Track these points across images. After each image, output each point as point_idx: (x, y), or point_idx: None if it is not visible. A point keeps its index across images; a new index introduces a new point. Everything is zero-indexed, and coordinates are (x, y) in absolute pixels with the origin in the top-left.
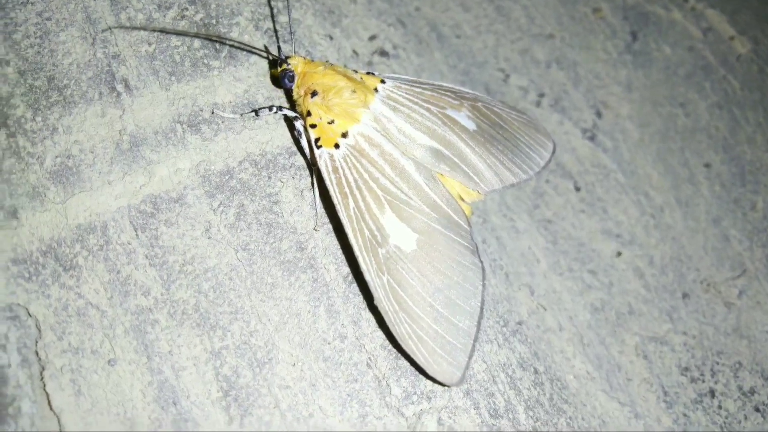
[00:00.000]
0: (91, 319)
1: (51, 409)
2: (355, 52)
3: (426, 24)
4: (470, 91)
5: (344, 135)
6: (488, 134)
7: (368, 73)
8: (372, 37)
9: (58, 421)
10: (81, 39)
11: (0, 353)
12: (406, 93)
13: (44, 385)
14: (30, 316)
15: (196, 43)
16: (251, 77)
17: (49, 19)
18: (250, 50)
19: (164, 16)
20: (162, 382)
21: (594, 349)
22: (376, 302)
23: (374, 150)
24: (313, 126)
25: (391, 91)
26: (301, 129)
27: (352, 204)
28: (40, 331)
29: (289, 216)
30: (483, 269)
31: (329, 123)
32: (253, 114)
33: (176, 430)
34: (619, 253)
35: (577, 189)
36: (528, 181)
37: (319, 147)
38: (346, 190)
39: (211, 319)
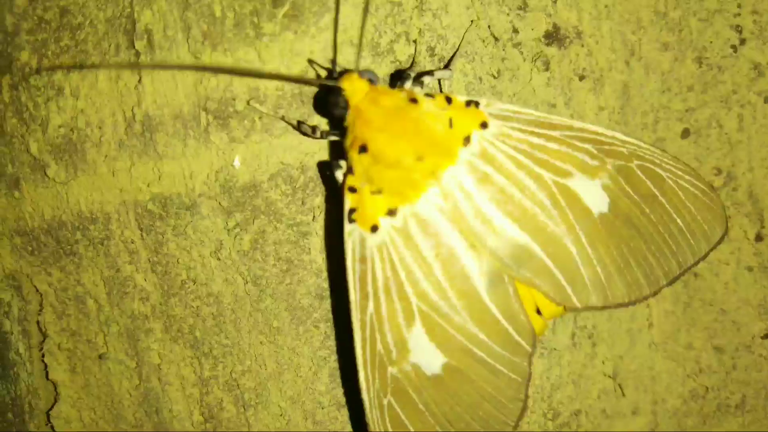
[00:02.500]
0: (89, 309)
1: (48, 378)
2: (493, 36)
3: None
4: (630, 140)
5: (390, 213)
6: (624, 218)
7: (470, 104)
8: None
9: (55, 390)
10: None
11: (3, 319)
12: (517, 144)
13: (42, 356)
14: (34, 288)
15: None
16: (315, 52)
17: None
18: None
19: None
20: (148, 390)
21: None
22: (368, 422)
23: (427, 241)
24: (352, 190)
25: (493, 143)
26: (341, 175)
27: (371, 308)
28: (41, 306)
29: (317, 254)
30: (524, 407)
31: (373, 193)
32: (294, 124)
33: None
34: (767, 336)
35: (759, 239)
36: (648, 298)
37: (351, 221)
38: (369, 289)
39: (206, 346)
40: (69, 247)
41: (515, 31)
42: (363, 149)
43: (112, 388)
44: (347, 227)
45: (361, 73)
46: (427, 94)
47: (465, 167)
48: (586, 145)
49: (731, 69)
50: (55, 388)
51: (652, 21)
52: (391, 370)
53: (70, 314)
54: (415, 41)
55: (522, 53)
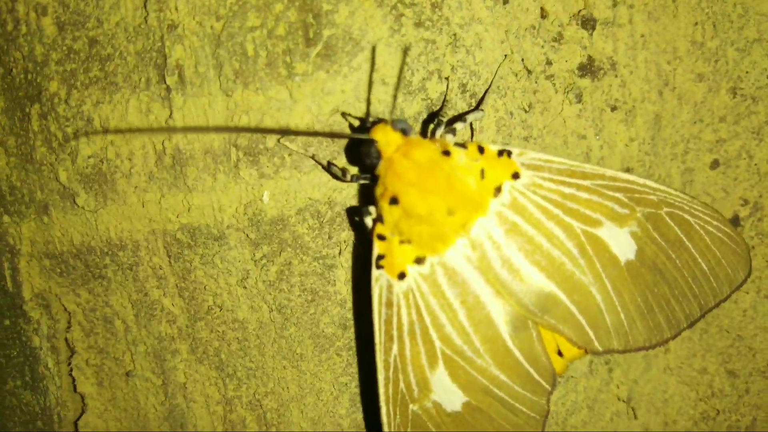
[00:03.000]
0: (116, 329)
1: (75, 391)
2: (526, 68)
3: None
4: (661, 188)
5: (418, 261)
6: (650, 264)
7: (502, 153)
8: None
9: (83, 402)
10: None
11: (32, 336)
12: (548, 194)
13: (71, 370)
14: (63, 307)
15: (281, 27)
16: (346, 91)
17: None
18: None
19: None
20: (174, 406)
21: None
22: None
23: (453, 289)
24: (381, 237)
25: (524, 192)
26: (370, 221)
27: (395, 350)
28: (69, 324)
29: (341, 285)
30: None
31: (402, 242)
32: (324, 165)
33: None
34: None
35: None
36: (668, 341)
37: (379, 267)
38: (395, 332)
39: (230, 368)
40: (98, 270)
41: (549, 63)
42: (394, 201)
43: (138, 402)
44: (375, 272)
45: (394, 124)
46: (460, 144)
47: (495, 218)
48: (617, 194)
49: (766, 99)
50: (83, 400)
51: (689, 51)
52: (412, 407)
53: (98, 333)
54: (447, 78)
55: (554, 85)
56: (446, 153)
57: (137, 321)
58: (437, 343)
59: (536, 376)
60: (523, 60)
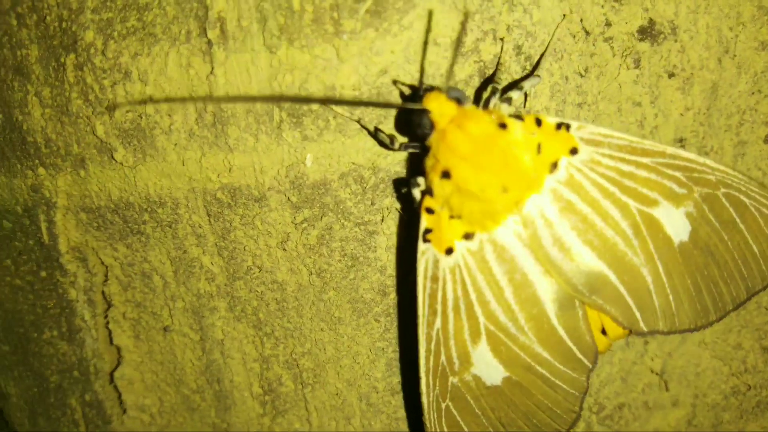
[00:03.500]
0: (155, 285)
1: (111, 343)
2: (585, 30)
3: None
4: (720, 168)
5: (467, 237)
6: (703, 246)
7: (560, 126)
8: None
9: (119, 354)
10: None
11: (69, 288)
12: (606, 171)
13: (107, 323)
14: (100, 261)
15: None
16: (396, 52)
17: None
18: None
19: None
20: (211, 362)
21: None
22: (425, 422)
23: (501, 266)
24: (429, 211)
25: (581, 169)
26: (418, 194)
27: (438, 324)
28: (106, 277)
29: (382, 252)
30: (577, 417)
31: (452, 217)
32: (371, 130)
33: (216, 403)
34: None
35: None
36: (713, 324)
37: (426, 241)
38: (438, 307)
39: (268, 327)
40: (136, 226)
41: (608, 24)
42: (446, 175)
43: (175, 356)
44: (421, 246)
45: (449, 92)
46: (516, 116)
47: (549, 195)
48: (676, 173)
49: None
50: (119, 353)
51: (753, 17)
52: (452, 379)
53: (136, 287)
54: (502, 39)
55: (612, 48)
56: (502, 126)
57: (176, 277)
58: (481, 319)
59: (579, 354)
60: (581, 20)
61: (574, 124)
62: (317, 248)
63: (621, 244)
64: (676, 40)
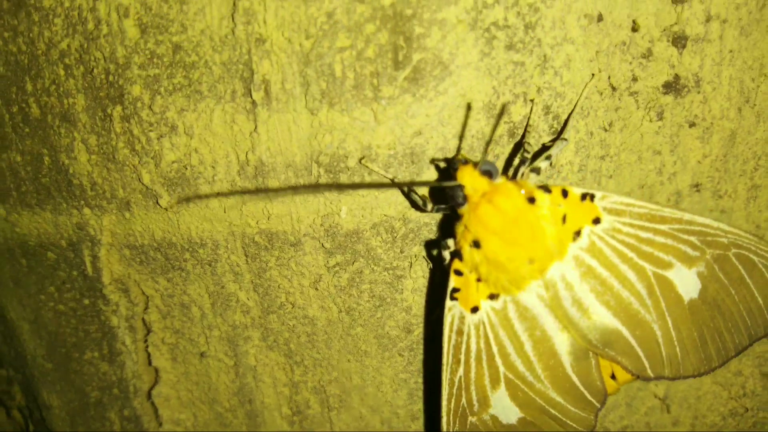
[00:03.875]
0: (193, 315)
1: (150, 365)
2: (611, 86)
3: None
4: (733, 230)
5: (492, 297)
6: (711, 301)
7: (585, 197)
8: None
9: (156, 374)
10: None
11: (111, 316)
12: (625, 239)
13: (146, 347)
14: (141, 291)
15: (371, 49)
16: (431, 115)
17: None
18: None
19: None
20: (243, 384)
21: None
22: None
23: (522, 323)
24: (458, 273)
25: (602, 237)
26: (447, 255)
27: (461, 372)
28: (147, 306)
29: (408, 294)
30: None
31: (478, 280)
32: (405, 191)
33: (247, 421)
34: None
35: None
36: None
37: (453, 299)
38: (462, 357)
39: (298, 356)
40: (177, 263)
41: (635, 79)
42: (476, 245)
43: (210, 378)
44: (448, 303)
45: (482, 166)
46: (544, 187)
47: (571, 261)
48: (691, 237)
49: None
50: (157, 373)
51: None
52: (471, 419)
53: (175, 316)
54: (532, 100)
55: (637, 101)
56: (531, 200)
57: (213, 309)
58: (501, 369)
59: (589, 397)
60: (609, 78)
61: (598, 194)
62: (347, 289)
63: (635, 303)
64: (699, 92)
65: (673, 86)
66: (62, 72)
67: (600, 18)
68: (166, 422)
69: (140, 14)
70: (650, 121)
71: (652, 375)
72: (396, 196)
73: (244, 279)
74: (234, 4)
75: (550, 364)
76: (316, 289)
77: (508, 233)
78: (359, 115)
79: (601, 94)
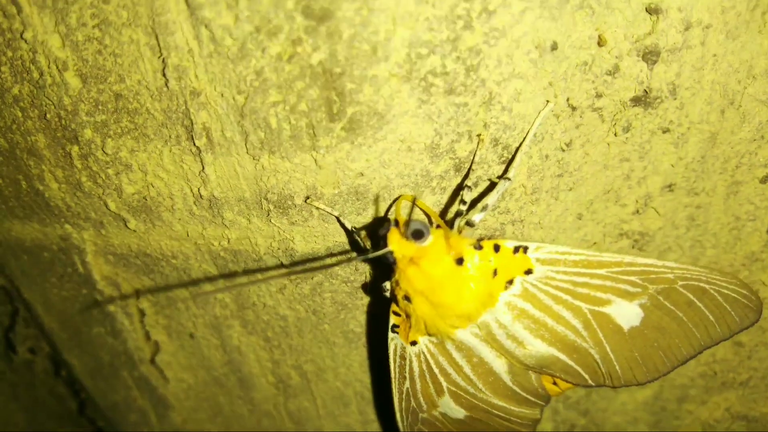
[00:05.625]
0: (179, 307)
1: (148, 339)
2: (571, 106)
3: None
4: (680, 266)
5: (429, 335)
6: (656, 326)
7: (518, 250)
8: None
9: (157, 346)
10: (149, 49)
11: (107, 304)
12: (560, 284)
13: (144, 326)
14: (131, 286)
15: (303, 104)
16: (372, 160)
17: (106, 2)
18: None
19: (263, 50)
20: (232, 359)
21: None
22: None
23: (460, 353)
24: (396, 313)
25: (535, 284)
26: (387, 294)
27: (407, 385)
28: (138, 296)
29: (367, 299)
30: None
31: (414, 325)
32: (348, 229)
33: (239, 384)
34: None
35: None
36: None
37: (394, 332)
38: (407, 374)
39: (275, 341)
40: (156, 268)
41: (598, 96)
42: (407, 299)
43: (202, 352)
44: (390, 335)
45: (409, 226)
46: (476, 245)
47: (503, 307)
48: (632, 278)
49: None
50: (157, 345)
51: (767, 71)
52: (422, 415)
53: (163, 305)
54: (479, 135)
55: (602, 116)
56: (459, 261)
57: (195, 303)
58: (444, 384)
59: (533, 399)
60: (568, 99)
61: (531, 246)
62: (311, 296)
63: (571, 335)
64: (675, 98)
65: (642, 100)
66: (20, 114)
67: (554, 47)
68: (172, 380)
69: (78, 66)
70: (615, 135)
71: (594, 385)
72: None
73: (217, 282)
74: (163, 60)
75: (490, 381)
76: (283, 294)
77: (434, 295)
78: (300, 161)
79: (558, 117)
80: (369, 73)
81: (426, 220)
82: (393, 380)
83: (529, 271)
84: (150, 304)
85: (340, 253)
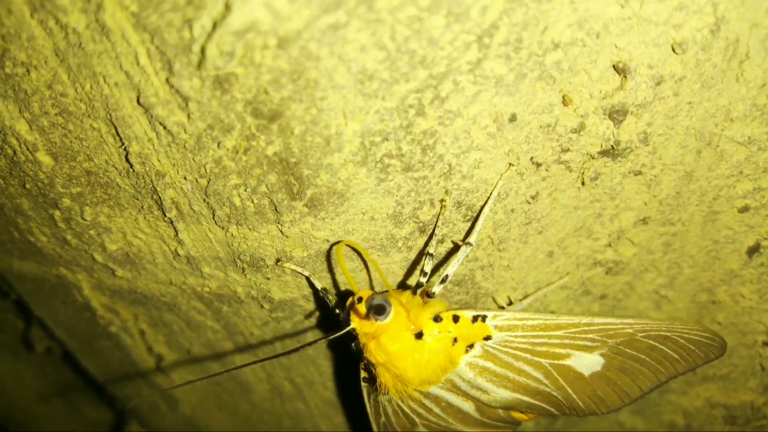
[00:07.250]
0: (175, 331)
1: (151, 352)
2: (536, 163)
3: None
4: (640, 321)
5: (397, 389)
6: (618, 369)
7: (476, 319)
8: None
9: (159, 357)
10: (111, 137)
11: (109, 326)
12: (519, 345)
13: (145, 342)
14: (129, 312)
15: (263, 186)
16: (336, 229)
17: (64, 95)
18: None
19: (218, 144)
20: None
21: None
22: None
23: (428, 399)
24: (366, 369)
25: (495, 347)
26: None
27: (383, 419)
28: (137, 319)
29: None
30: None
31: (381, 385)
32: (319, 289)
33: (239, 389)
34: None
35: None
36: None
37: (364, 381)
38: (381, 411)
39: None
40: (149, 302)
41: (564, 150)
42: (372, 365)
43: (200, 363)
44: (362, 383)
45: (370, 302)
46: (435, 317)
47: (465, 367)
48: (590, 335)
49: None
50: (159, 356)
51: (746, 114)
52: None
53: (161, 329)
54: (441, 201)
55: (569, 167)
56: (419, 335)
57: (189, 328)
58: (417, 420)
59: (502, 426)
60: (532, 158)
61: (489, 315)
62: (293, 334)
63: (533, 383)
64: (647, 145)
65: (611, 152)
66: (2, 181)
67: (513, 118)
68: (178, 382)
69: (48, 147)
70: (583, 183)
71: (560, 415)
72: (323, 276)
73: (207, 315)
74: (125, 149)
75: (459, 416)
76: (267, 326)
77: (395, 369)
78: (267, 231)
79: (522, 174)
80: (324, 162)
81: (387, 296)
82: (369, 414)
83: (488, 338)
84: (147, 325)
85: (317, 300)
